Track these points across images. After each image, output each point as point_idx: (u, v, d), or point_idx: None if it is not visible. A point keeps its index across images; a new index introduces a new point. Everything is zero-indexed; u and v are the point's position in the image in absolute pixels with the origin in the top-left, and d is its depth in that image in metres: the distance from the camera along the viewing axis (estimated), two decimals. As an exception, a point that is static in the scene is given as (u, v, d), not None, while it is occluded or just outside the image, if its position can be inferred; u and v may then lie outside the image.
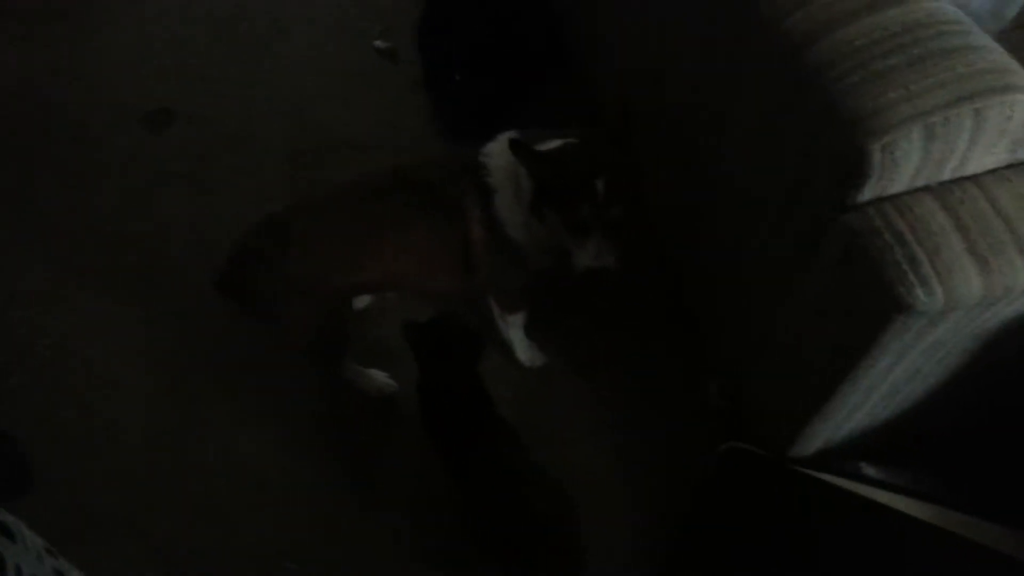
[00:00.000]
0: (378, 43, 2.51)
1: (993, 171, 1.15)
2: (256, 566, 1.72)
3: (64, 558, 1.32)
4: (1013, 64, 1.10)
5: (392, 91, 2.44)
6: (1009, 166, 1.15)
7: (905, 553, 1.47)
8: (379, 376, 1.92)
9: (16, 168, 2.33)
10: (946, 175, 1.13)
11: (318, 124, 2.39)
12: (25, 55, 2.55)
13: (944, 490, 1.53)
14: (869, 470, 1.57)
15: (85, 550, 1.44)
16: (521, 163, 1.54)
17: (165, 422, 1.91)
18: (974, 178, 1.14)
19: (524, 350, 1.95)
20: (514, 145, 1.51)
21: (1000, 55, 1.11)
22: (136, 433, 1.89)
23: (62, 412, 1.92)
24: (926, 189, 1.14)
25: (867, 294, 1.14)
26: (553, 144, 1.58)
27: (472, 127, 1.81)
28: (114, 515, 1.77)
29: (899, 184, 1.12)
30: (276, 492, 1.81)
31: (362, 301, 1.88)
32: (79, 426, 1.90)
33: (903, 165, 1.09)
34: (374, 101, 2.43)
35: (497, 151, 1.64)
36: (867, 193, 1.12)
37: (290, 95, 2.45)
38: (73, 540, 1.43)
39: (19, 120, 2.43)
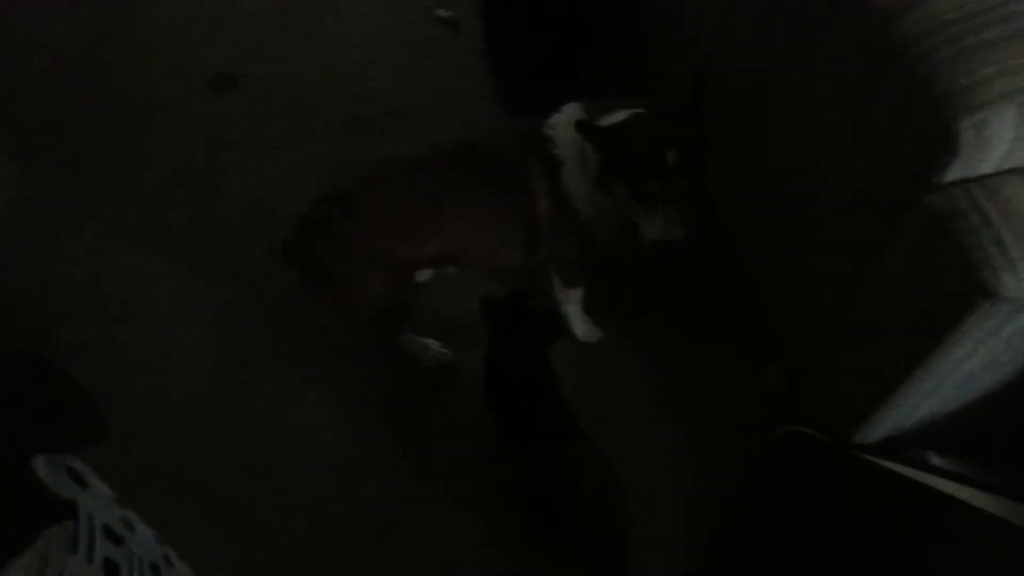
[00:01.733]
0: (440, 12, 2.49)
1: (1089, 154, 1.10)
2: (312, 526, 1.75)
3: (131, 510, 1.36)
4: (1117, 41, 1.05)
5: (453, 61, 2.43)
6: (1106, 149, 1.10)
7: (969, 544, 1.43)
8: (434, 346, 1.93)
9: (82, 132, 2.38)
10: (1039, 157, 1.09)
11: (376, 92, 2.39)
12: (89, 19, 2.59)
13: (1013, 483, 1.49)
14: (936, 459, 1.53)
15: (148, 506, 1.49)
16: (586, 140, 1.52)
17: (223, 383, 1.95)
18: (1068, 161, 1.10)
19: (581, 324, 1.94)
20: (579, 126, 1.49)
21: (1103, 31, 1.06)
22: (195, 393, 1.93)
23: (125, 370, 1.96)
24: (1017, 171, 1.09)
25: (949, 278, 1.10)
26: (620, 116, 1.55)
27: (534, 98, 1.80)
28: (174, 472, 1.82)
29: (988, 164, 1.08)
30: (331, 454, 1.84)
31: (424, 274, 1.89)
32: (141, 384, 1.95)
33: (994, 145, 1.05)
34: (434, 70, 2.42)
35: (563, 123, 1.62)
36: (954, 173, 1.09)
37: (350, 62, 2.45)
38: (137, 494, 1.48)
39: (84, 84, 2.48)
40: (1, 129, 2.24)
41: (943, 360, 1.24)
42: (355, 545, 1.73)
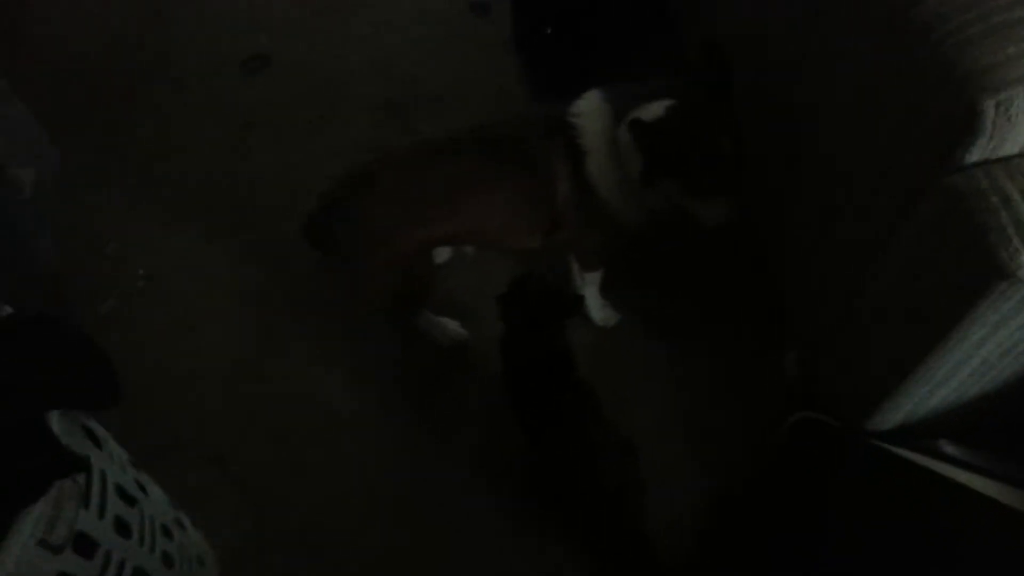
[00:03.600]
0: (471, -3, 2.51)
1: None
2: (328, 502, 1.77)
3: (145, 473, 1.39)
4: None
5: (483, 46, 2.44)
6: None
7: (981, 534, 1.41)
8: (451, 325, 1.94)
9: (116, 110, 2.42)
10: (1062, 139, 1.07)
11: (407, 76, 2.40)
12: (133, 3, 2.63)
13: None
14: (948, 448, 1.51)
15: (166, 472, 1.52)
16: (637, 142, 1.50)
17: (247, 357, 1.97)
18: (1092, 144, 1.07)
19: (599, 308, 1.94)
20: (633, 127, 1.48)
21: None
22: (219, 366, 1.96)
23: (150, 340, 2.00)
24: (1040, 152, 1.08)
25: (967, 259, 1.09)
26: (653, 106, 1.53)
27: (562, 86, 1.80)
28: (193, 442, 1.84)
29: (1012, 145, 1.06)
30: (350, 432, 1.86)
31: (443, 255, 1.90)
32: (165, 355, 1.98)
33: (1018, 124, 1.03)
34: (464, 56, 2.43)
35: (587, 111, 1.62)
36: (976, 154, 1.07)
37: (381, 46, 2.47)
38: (156, 460, 1.50)
39: (120, 63, 2.52)
40: (42, 109, 2.28)
41: (959, 344, 1.22)
42: (369, 523, 1.74)
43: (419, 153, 1.71)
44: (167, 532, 1.34)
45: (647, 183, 1.56)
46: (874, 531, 1.48)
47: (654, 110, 1.53)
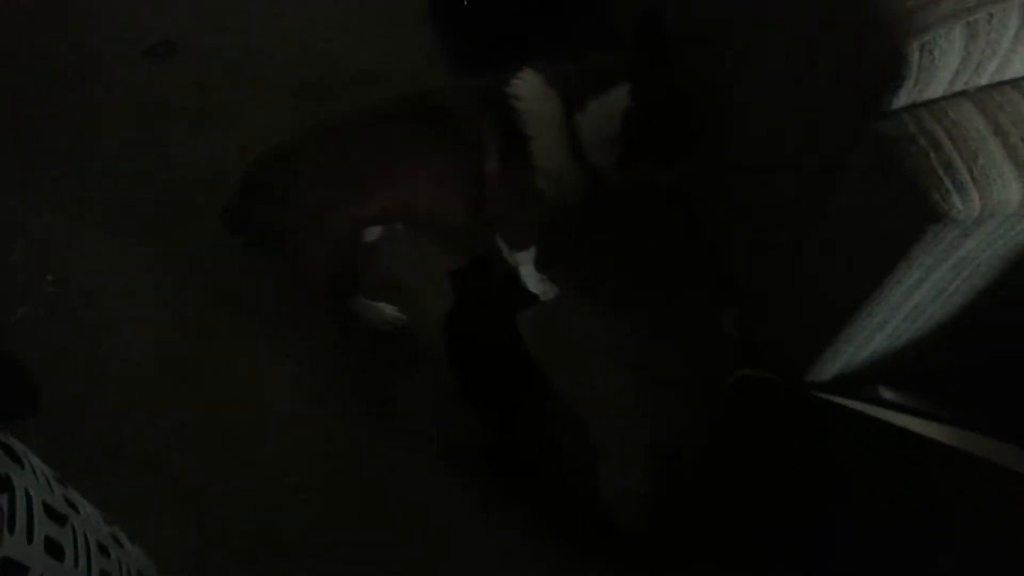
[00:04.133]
0: (383, -29, 2.43)
1: (1034, 75, 1.10)
2: (273, 499, 1.71)
3: (74, 489, 1.31)
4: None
5: (398, 22, 2.37)
6: (1052, 70, 1.10)
7: (925, 475, 1.45)
8: (388, 309, 1.89)
9: (16, 105, 2.28)
10: (984, 79, 1.08)
11: (322, 55, 2.32)
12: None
13: (962, 414, 1.51)
14: (887, 394, 1.54)
15: (100, 483, 1.44)
16: (626, 133, 1.53)
17: (178, 357, 1.88)
18: (1014, 82, 1.09)
19: (536, 284, 1.92)
20: (627, 119, 1.52)
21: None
22: (148, 368, 1.87)
23: (70, 346, 1.89)
24: (963, 94, 1.09)
25: (900, 203, 1.10)
26: (617, 93, 1.54)
27: (480, 58, 1.76)
28: (127, 449, 1.76)
29: (936, 88, 1.07)
30: (290, 426, 1.80)
31: (373, 234, 1.84)
32: (88, 360, 1.88)
33: (941, 67, 1.04)
34: (380, 32, 2.36)
35: (530, 95, 1.59)
36: (902, 99, 1.08)
37: (293, 26, 2.38)
38: (88, 473, 1.42)
39: (17, 56, 2.36)
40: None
41: (894, 289, 1.24)
42: (326, 524, 1.68)
43: (341, 126, 1.64)
44: (103, 550, 1.27)
45: (627, 167, 1.57)
46: (821, 480, 1.51)
47: (619, 96, 1.53)
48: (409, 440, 1.77)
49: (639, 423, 1.77)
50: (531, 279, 1.91)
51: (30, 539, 1.04)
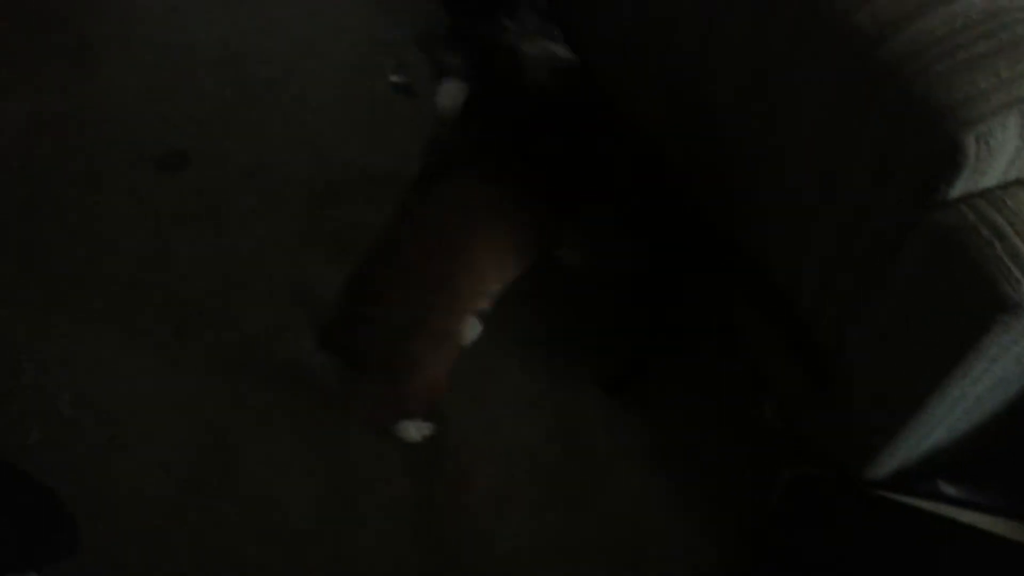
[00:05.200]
0: (394, 78, 2.47)
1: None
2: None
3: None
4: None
5: (410, 124, 2.39)
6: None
7: (993, 572, 1.39)
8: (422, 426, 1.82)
9: (26, 219, 2.25)
10: (1041, 166, 1.08)
11: (335, 159, 2.32)
12: (32, 99, 2.48)
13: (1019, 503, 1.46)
14: (948, 489, 1.48)
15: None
16: None
17: (199, 474, 1.81)
18: (1070, 169, 1.09)
19: None
20: None
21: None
22: (167, 488, 1.79)
23: (87, 467, 1.81)
24: (1019, 182, 1.08)
25: (964, 294, 1.07)
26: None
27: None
28: (146, 573, 1.66)
29: (992, 177, 1.06)
30: (321, 549, 1.71)
31: (473, 330, 1.77)
32: (102, 481, 1.80)
33: (997, 157, 1.03)
34: (391, 135, 2.38)
35: None
36: (958, 189, 1.06)
37: (306, 132, 2.39)
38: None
39: (27, 169, 2.36)
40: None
41: (958, 383, 1.20)
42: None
43: (415, 221, 1.59)
44: None
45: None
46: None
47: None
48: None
49: (680, 530, 1.70)
50: None
51: None
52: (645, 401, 1.87)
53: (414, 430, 1.79)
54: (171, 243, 2.19)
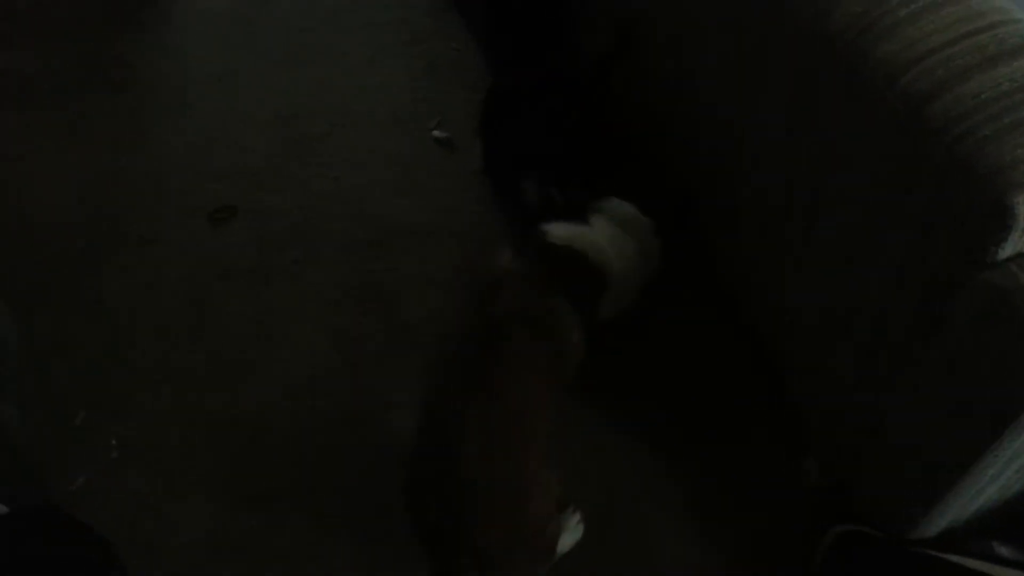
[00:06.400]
0: (436, 133, 2.53)
1: None
2: None
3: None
4: None
5: (451, 179, 2.45)
6: None
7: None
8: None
9: (80, 273, 2.32)
10: (1088, 226, 1.08)
11: (379, 214, 2.38)
12: (94, 157, 2.57)
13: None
14: (1002, 550, 1.45)
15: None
16: None
17: (234, 530, 1.82)
18: (1117, 229, 1.09)
19: None
20: None
21: None
22: (208, 536, 1.80)
23: (127, 515, 1.83)
24: (1068, 242, 1.09)
25: (1017, 353, 1.07)
26: None
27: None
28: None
29: (1041, 238, 1.07)
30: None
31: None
32: (145, 530, 1.82)
33: (1048, 217, 1.04)
34: (434, 190, 2.43)
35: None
36: (1008, 249, 1.07)
37: (349, 187, 2.46)
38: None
39: (89, 223, 2.43)
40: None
41: (1011, 442, 1.19)
42: None
43: (467, 375, 1.51)
44: None
45: None
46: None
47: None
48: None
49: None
50: None
51: None
52: (687, 453, 1.86)
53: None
54: (217, 295, 2.25)
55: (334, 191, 2.46)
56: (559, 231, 1.80)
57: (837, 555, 1.54)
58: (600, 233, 1.82)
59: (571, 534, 1.68)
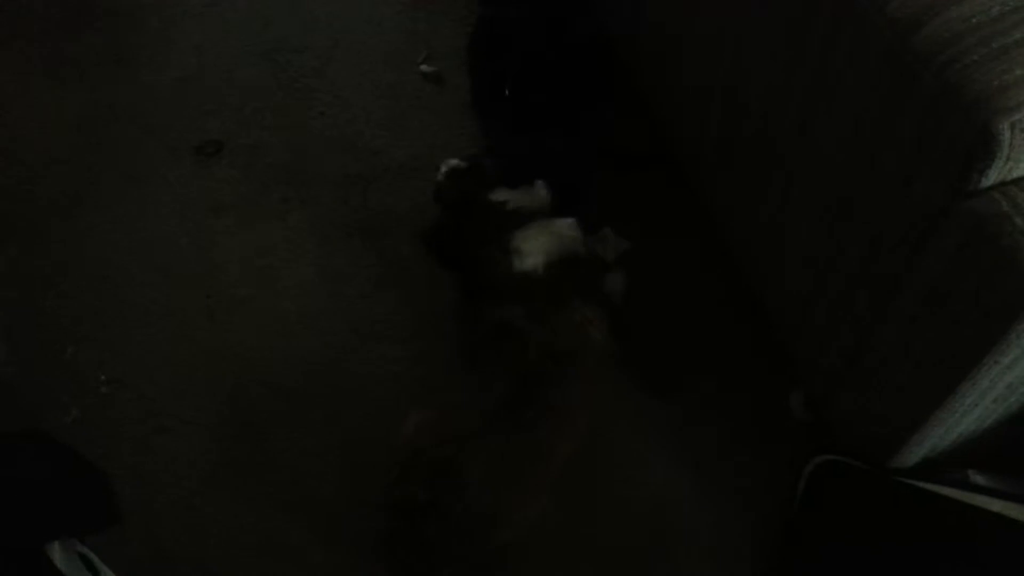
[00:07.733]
0: (424, 67, 2.49)
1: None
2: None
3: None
4: None
5: (440, 114, 2.42)
6: None
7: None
8: None
9: (68, 209, 2.31)
10: (1075, 154, 1.07)
11: (368, 149, 2.36)
12: (80, 95, 2.53)
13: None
14: (978, 478, 1.48)
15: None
16: None
17: (230, 457, 1.86)
18: (1104, 157, 1.08)
19: None
20: None
21: None
22: (201, 468, 1.84)
23: (122, 447, 1.87)
24: (1054, 170, 1.08)
25: (997, 281, 1.07)
26: None
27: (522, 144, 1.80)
28: (181, 554, 1.71)
29: (1026, 166, 1.07)
30: (344, 528, 1.74)
31: None
32: (140, 462, 1.85)
33: (1033, 144, 1.03)
34: (423, 124, 2.41)
35: None
36: (992, 177, 1.07)
37: (339, 123, 2.43)
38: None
39: (76, 160, 2.41)
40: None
41: (988, 372, 1.20)
42: None
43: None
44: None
45: None
46: (913, 571, 1.44)
47: None
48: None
49: (708, 520, 1.71)
50: None
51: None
52: (673, 388, 1.88)
53: None
54: (206, 232, 2.24)
55: (322, 127, 2.43)
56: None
57: (818, 484, 1.57)
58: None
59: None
